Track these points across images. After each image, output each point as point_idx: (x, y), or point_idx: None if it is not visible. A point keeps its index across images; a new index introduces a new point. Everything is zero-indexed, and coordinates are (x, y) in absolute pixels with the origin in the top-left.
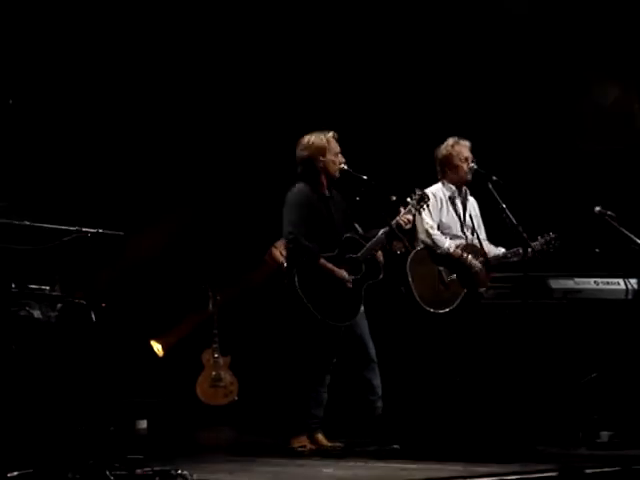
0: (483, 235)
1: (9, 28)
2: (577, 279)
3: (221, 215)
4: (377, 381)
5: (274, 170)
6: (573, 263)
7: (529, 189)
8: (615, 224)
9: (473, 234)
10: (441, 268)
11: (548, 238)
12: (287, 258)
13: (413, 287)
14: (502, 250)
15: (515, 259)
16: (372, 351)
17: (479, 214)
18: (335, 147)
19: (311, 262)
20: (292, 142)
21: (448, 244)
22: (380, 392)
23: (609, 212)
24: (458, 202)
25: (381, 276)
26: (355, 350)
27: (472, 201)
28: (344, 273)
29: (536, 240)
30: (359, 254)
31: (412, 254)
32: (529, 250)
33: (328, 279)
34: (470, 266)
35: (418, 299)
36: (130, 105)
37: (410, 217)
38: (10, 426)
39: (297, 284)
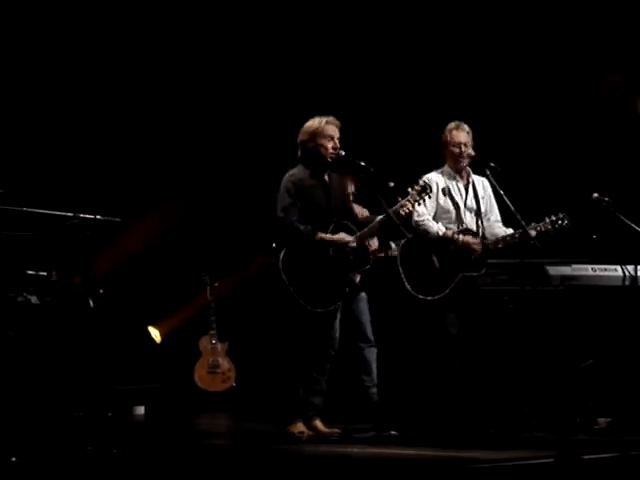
0: (494, 217)
1: (6, 18)
2: (574, 266)
3: (221, 203)
4: (373, 365)
5: (274, 158)
6: (570, 250)
7: (527, 175)
8: (613, 211)
9: (478, 217)
10: (432, 255)
11: (554, 218)
12: (277, 242)
13: (403, 275)
14: (507, 232)
15: (512, 243)
16: (370, 335)
17: (491, 194)
18: (328, 131)
19: (309, 241)
20: (292, 132)
21: (437, 227)
22: (376, 379)
23: (606, 198)
24: (460, 186)
25: (368, 266)
26: (353, 331)
27: (480, 181)
28: (343, 235)
29: (543, 220)
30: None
31: (402, 242)
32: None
33: (313, 264)
34: (463, 243)
35: (408, 287)
36: (128, 91)
37: (410, 206)
38: (7, 412)
39: (280, 268)
